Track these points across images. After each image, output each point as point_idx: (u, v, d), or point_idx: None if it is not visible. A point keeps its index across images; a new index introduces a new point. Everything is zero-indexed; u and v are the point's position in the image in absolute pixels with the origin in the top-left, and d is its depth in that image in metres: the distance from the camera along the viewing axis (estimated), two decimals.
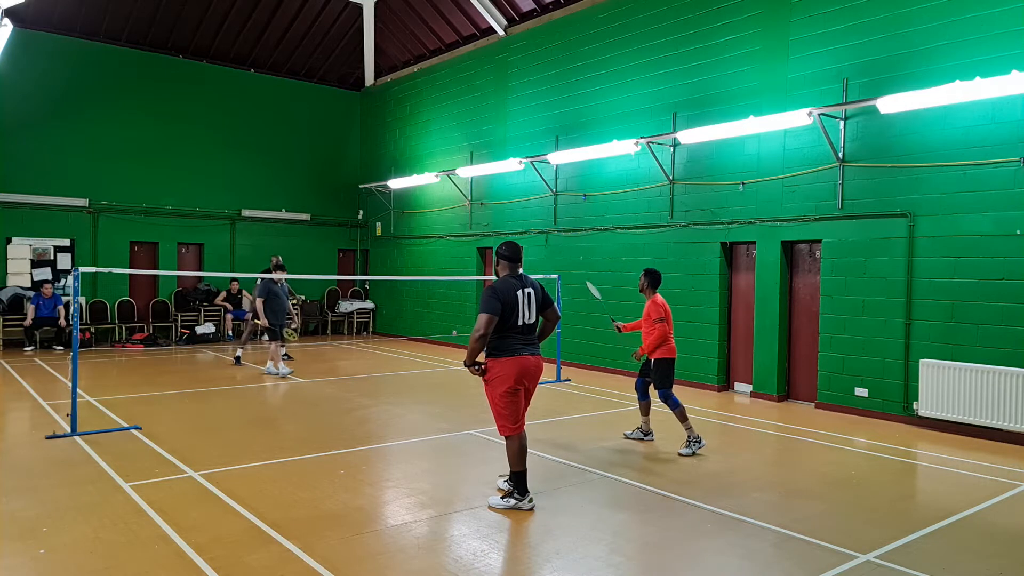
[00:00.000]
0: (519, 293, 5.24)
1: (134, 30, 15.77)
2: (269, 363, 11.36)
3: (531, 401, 5.47)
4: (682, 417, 7.01)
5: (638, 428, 7.51)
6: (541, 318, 5.49)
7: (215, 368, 12.26)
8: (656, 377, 7.12)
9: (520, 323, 5.23)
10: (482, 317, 5.12)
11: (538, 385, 5.52)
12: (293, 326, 12.23)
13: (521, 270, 5.45)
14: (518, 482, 5.28)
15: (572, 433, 7.74)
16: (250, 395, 9.77)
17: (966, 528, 5.05)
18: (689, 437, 6.92)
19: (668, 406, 7.06)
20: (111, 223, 15.57)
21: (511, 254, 5.40)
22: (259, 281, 11.33)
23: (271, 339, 11.37)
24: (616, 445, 7.25)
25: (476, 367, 5.27)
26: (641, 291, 7.36)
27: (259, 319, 11.09)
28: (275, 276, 11.16)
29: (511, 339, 5.22)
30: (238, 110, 17.36)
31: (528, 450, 5.47)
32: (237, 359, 12.55)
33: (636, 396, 7.57)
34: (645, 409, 7.43)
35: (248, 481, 5.79)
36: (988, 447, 7.42)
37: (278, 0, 16.45)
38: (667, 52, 11.20)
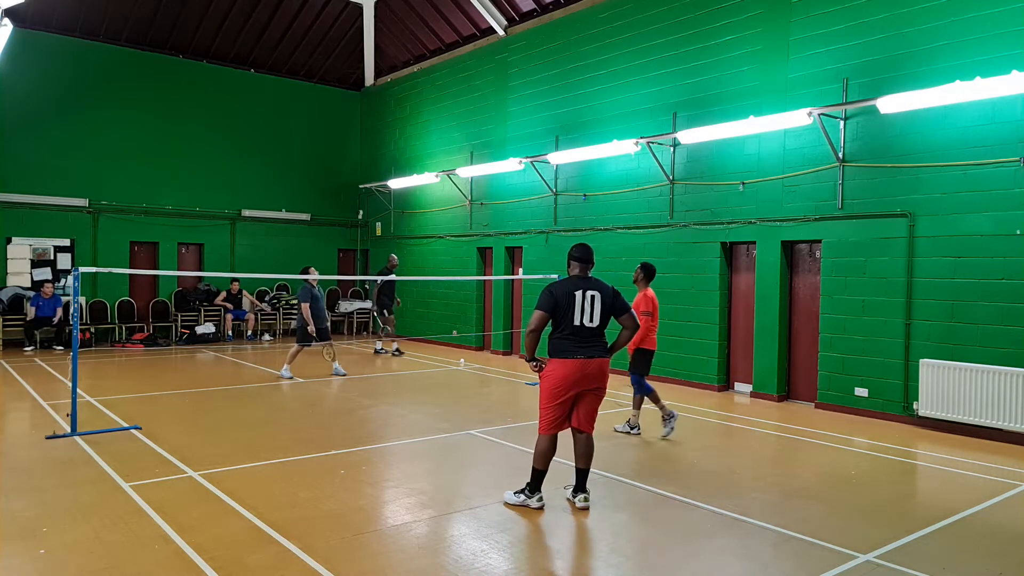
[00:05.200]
0: (578, 293, 5.18)
1: (134, 30, 15.77)
2: (335, 364, 11.48)
3: (598, 409, 5.38)
4: (655, 399, 7.58)
5: (626, 422, 7.87)
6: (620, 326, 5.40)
7: (215, 368, 12.26)
8: (633, 363, 7.64)
9: (579, 324, 5.16)
10: (535, 313, 5.20)
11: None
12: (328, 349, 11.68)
13: (591, 272, 5.40)
14: (534, 479, 5.28)
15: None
16: (250, 395, 9.77)
17: (966, 528, 5.05)
18: (663, 414, 7.55)
19: (637, 389, 7.61)
20: (111, 223, 15.57)
21: (580, 255, 5.37)
22: (304, 286, 11.18)
23: (299, 342, 11.27)
24: (615, 445, 7.25)
25: (534, 363, 5.29)
26: (635, 282, 7.75)
27: (308, 325, 11.00)
28: (310, 279, 11.03)
29: (566, 341, 5.18)
30: (238, 110, 17.36)
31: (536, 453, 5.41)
32: (379, 350, 13.99)
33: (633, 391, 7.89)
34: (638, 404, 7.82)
35: (248, 481, 5.79)
36: (988, 447, 7.42)
37: (278, 0, 16.46)
38: (667, 52, 11.20)
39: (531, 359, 5.27)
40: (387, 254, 18.10)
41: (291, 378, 10.96)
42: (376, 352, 14.20)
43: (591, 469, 5.46)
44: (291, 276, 11.67)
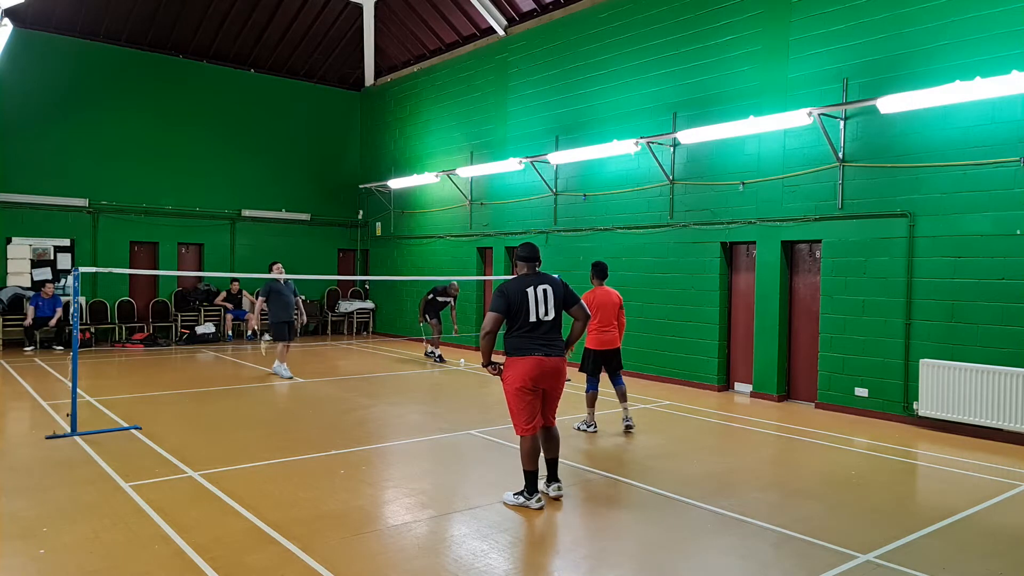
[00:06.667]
0: (529, 290, 5.25)
1: (134, 30, 15.77)
2: (276, 363, 11.33)
3: (558, 404, 5.50)
4: (590, 402, 7.76)
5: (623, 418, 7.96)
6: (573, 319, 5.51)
7: (215, 368, 12.26)
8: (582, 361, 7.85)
9: (534, 320, 5.23)
10: (488, 316, 5.23)
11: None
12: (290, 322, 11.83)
13: (539, 269, 5.47)
14: (528, 481, 5.30)
15: (571, 433, 7.73)
16: (250, 395, 9.77)
17: (966, 528, 5.05)
18: (587, 420, 7.79)
19: (590, 386, 7.80)
20: (111, 223, 15.57)
21: (527, 254, 5.43)
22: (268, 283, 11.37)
23: (276, 339, 11.36)
24: (614, 444, 7.25)
25: (492, 366, 5.31)
26: (591, 280, 7.92)
27: (249, 313, 11.13)
28: (274, 275, 11.16)
29: (523, 339, 5.24)
30: (238, 110, 17.36)
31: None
32: (439, 357, 13.34)
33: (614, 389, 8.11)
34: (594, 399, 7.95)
35: (248, 481, 5.79)
36: (988, 447, 7.42)
37: (278, 0, 16.46)
38: (667, 52, 11.20)
39: (487, 363, 5.29)
40: (387, 254, 18.21)
41: (290, 377, 10.96)
42: (437, 360, 13.66)
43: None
44: (291, 276, 11.66)
